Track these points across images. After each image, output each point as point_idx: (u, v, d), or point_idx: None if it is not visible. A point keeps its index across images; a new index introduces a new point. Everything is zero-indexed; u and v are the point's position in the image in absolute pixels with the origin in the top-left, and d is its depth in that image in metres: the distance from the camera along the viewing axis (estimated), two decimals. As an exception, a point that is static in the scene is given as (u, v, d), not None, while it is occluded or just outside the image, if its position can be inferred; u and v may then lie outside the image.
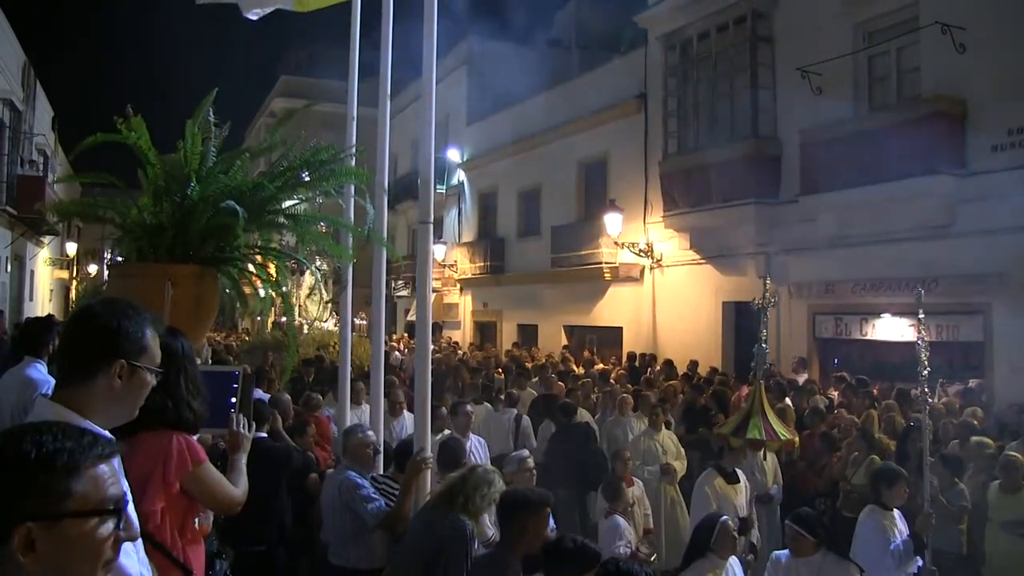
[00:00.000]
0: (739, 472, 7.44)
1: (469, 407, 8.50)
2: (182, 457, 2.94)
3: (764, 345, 7.96)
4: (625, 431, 10.23)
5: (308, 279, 16.12)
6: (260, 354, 15.07)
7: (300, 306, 20.24)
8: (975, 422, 8.98)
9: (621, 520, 6.89)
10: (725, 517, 5.53)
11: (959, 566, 7.64)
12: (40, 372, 5.93)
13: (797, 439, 8.98)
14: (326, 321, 21.07)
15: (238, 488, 3.29)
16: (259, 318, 23.28)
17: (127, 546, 2.04)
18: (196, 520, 3.13)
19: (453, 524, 4.57)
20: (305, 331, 18.82)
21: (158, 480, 2.85)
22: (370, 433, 6.07)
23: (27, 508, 1.43)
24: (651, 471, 9.14)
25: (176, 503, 2.95)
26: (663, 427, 9.75)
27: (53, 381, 5.72)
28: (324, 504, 5.94)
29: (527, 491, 4.57)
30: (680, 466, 9.38)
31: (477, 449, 8.00)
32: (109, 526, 1.54)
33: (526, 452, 6.67)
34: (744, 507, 7.20)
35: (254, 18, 7.09)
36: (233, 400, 3.54)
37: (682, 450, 9.65)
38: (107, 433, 2.17)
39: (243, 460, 3.44)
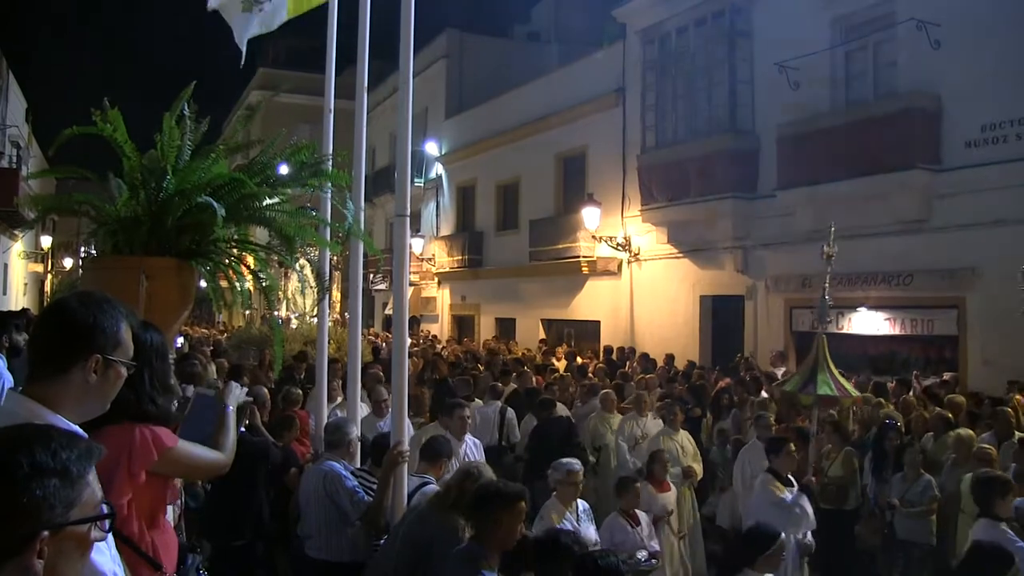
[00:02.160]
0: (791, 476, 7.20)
1: (466, 411, 8.07)
2: (145, 448, 2.88)
3: (827, 297, 7.97)
4: (610, 427, 10.16)
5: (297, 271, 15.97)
6: (247, 350, 15.01)
7: (289, 299, 20.05)
8: (950, 415, 9.07)
9: (619, 521, 6.68)
10: (783, 535, 5.07)
11: (929, 558, 7.73)
12: None
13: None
14: (315, 316, 20.91)
15: (223, 449, 3.27)
16: (247, 312, 23.10)
17: (99, 543, 2.03)
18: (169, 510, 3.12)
19: (446, 521, 4.55)
20: (293, 325, 18.67)
21: (123, 473, 2.81)
22: (353, 428, 6.08)
23: (45, 519, 1.44)
24: (673, 473, 8.64)
25: (143, 495, 2.90)
26: (680, 427, 9.36)
27: (8, 376, 5.74)
28: (304, 497, 5.92)
29: (501, 484, 4.54)
30: (698, 468, 9.03)
31: (472, 451, 7.77)
32: (104, 527, 1.58)
33: (577, 464, 6.34)
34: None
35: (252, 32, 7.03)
36: None
37: (699, 452, 9.32)
38: (79, 428, 2.16)
39: (232, 416, 3.45)
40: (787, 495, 6.89)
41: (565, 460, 6.46)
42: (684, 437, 9.27)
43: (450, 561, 4.24)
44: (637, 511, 6.91)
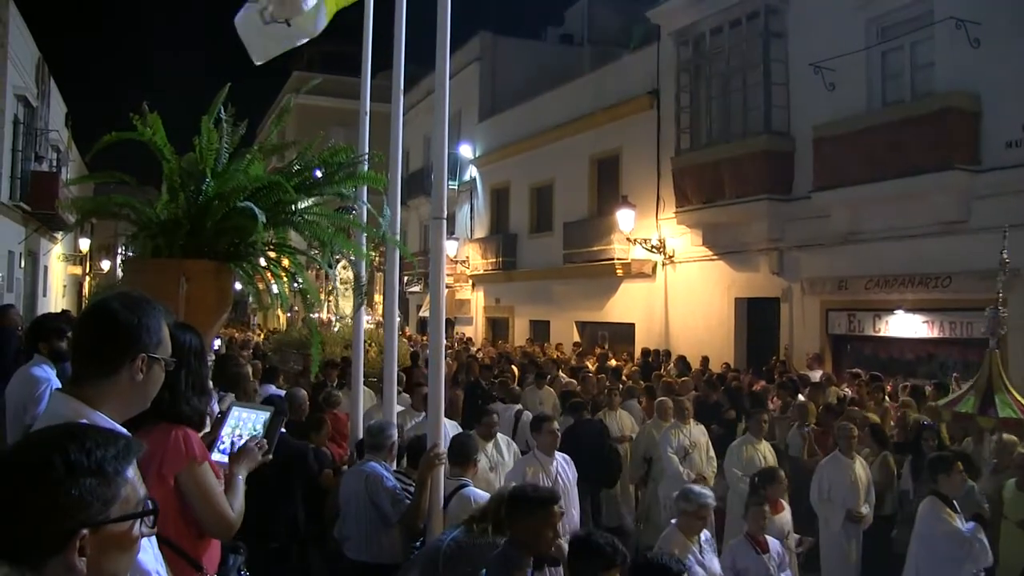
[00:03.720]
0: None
1: (555, 424, 7.60)
2: (177, 450, 2.88)
3: (1000, 307, 7.44)
4: (666, 436, 10.01)
5: (339, 273, 15.94)
6: (288, 353, 15.12)
7: (329, 302, 20.02)
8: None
9: (744, 546, 6.22)
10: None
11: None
12: (44, 371, 6.07)
13: None
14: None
15: (233, 509, 3.02)
16: (287, 314, 23.26)
17: (143, 541, 2.05)
18: None
19: (491, 543, 4.51)
20: (335, 328, 18.74)
21: (155, 474, 2.82)
22: (394, 430, 6.08)
23: (82, 517, 1.46)
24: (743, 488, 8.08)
25: (179, 496, 2.91)
26: (763, 437, 8.85)
27: (56, 381, 5.85)
28: (344, 498, 5.92)
29: (533, 488, 4.53)
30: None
31: (564, 468, 7.26)
32: (150, 522, 1.59)
33: (712, 499, 5.77)
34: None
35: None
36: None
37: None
38: (121, 427, 2.19)
39: (241, 478, 3.16)
40: (959, 524, 6.29)
41: (699, 490, 5.86)
42: (766, 448, 8.72)
43: (487, 565, 4.23)
44: (767, 537, 6.29)
